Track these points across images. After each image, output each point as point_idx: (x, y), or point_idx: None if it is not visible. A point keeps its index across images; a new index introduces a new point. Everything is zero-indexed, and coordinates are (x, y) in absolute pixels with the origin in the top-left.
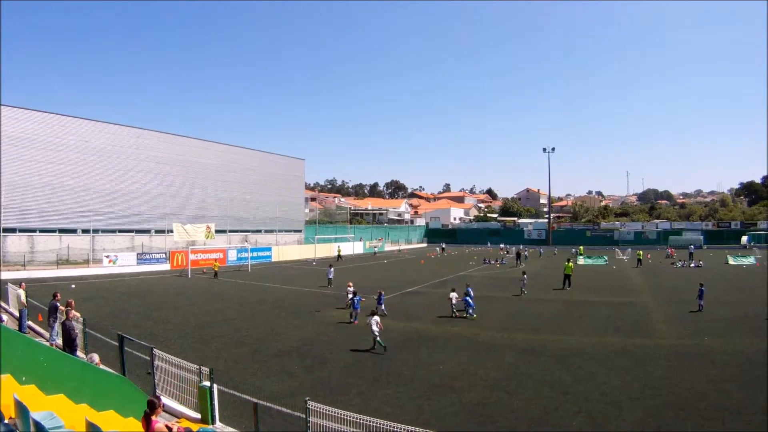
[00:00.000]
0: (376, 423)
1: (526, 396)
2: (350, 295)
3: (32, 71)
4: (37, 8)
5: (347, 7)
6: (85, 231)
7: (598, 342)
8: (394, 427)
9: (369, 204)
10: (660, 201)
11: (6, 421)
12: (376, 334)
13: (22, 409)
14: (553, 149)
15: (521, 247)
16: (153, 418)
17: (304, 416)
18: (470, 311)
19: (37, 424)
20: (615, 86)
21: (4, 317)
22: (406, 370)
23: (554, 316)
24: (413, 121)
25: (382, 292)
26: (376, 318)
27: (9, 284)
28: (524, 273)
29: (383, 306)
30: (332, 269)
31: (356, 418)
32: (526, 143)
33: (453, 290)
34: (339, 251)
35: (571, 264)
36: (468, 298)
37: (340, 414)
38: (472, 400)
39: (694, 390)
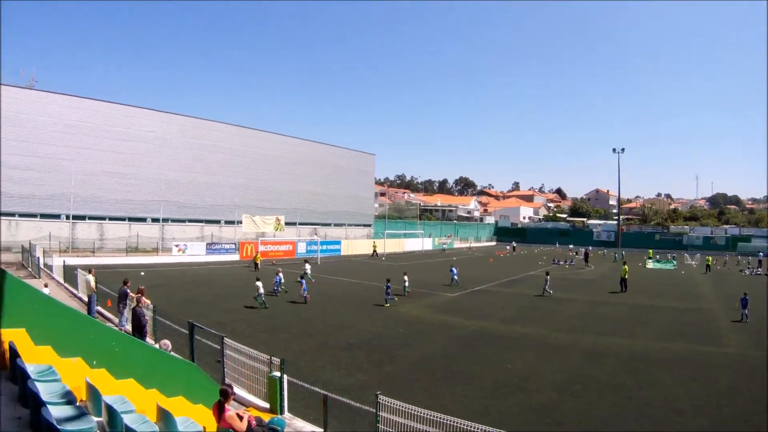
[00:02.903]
0: (447, 420)
1: (590, 399)
2: (276, 277)
3: (104, 63)
4: (107, 4)
5: (421, 4)
6: (155, 220)
7: (664, 347)
8: (467, 425)
9: (438, 200)
10: (729, 206)
11: (78, 403)
12: (261, 293)
13: (93, 392)
14: (623, 150)
15: (605, 251)
16: (226, 405)
17: (373, 410)
18: (388, 298)
19: (109, 407)
20: (688, 86)
21: (47, 290)
22: (474, 369)
23: (621, 319)
24: (484, 118)
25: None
26: (261, 283)
27: (78, 270)
28: (547, 273)
29: (306, 291)
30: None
31: (427, 414)
32: (595, 143)
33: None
34: (375, 247)
35: (626, 267)
36: (387, 286)
37: (411, 409)
38: (537, 401)
39: (759, 402)
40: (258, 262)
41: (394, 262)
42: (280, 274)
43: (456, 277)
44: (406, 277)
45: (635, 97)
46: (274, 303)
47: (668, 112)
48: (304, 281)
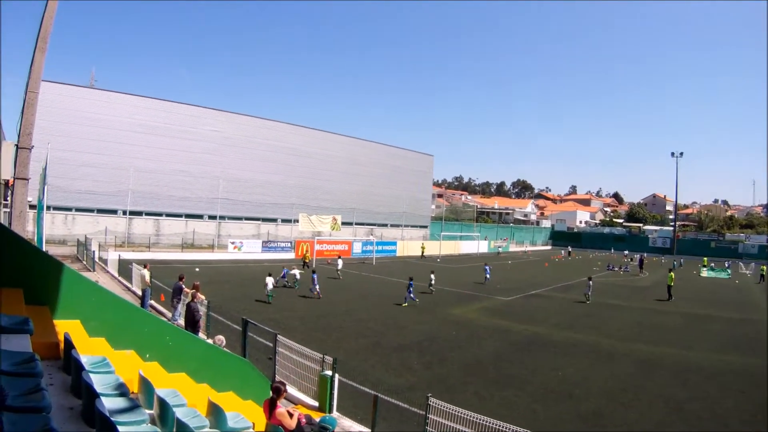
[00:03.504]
0: (495, 424)
1: (641, 409)
2: (284, 271)
3: (164, 65)
4: (169, 8)
5: (481, 5)
6: (212, 217)
7: (716, 359)
8: (516, 431)
9: (495, 203)
10: None
11: (130, 395)
12: (269, 290)
13: (146, 384)
14: (681, 154)
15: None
16: (277, 402)
17: (422, 412)
18: (408, 297)
19: (161, 400)
20: (746, 90)
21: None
22: (525, 373)
23: (675, 328)
24: (542, 121)
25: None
26: (271, 279)
27: (133, 264)
28: (590, 279)
29: (317, 286)
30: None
31: (475, 418)
32: (654, 146)
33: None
34: (423, 249)
35: (672, 275)
36: (410, 284)
37: (459, 412)
38: (587, 408)
39: None
40: (308, 261)
41: (448, 264)
42: (293, 270)
43: (488, 276)
44: (432, 276)
45: (696, 101)
46: (328, 302)
47: (728, 115)
48: (315, 276)
